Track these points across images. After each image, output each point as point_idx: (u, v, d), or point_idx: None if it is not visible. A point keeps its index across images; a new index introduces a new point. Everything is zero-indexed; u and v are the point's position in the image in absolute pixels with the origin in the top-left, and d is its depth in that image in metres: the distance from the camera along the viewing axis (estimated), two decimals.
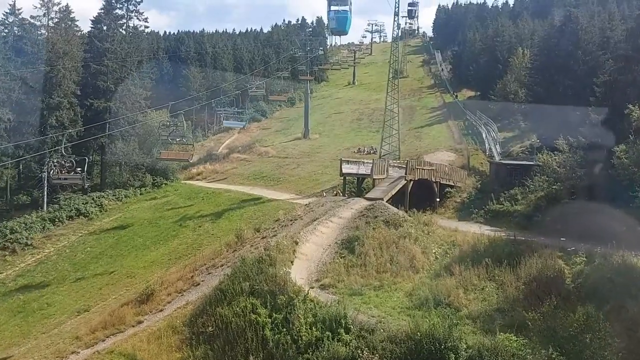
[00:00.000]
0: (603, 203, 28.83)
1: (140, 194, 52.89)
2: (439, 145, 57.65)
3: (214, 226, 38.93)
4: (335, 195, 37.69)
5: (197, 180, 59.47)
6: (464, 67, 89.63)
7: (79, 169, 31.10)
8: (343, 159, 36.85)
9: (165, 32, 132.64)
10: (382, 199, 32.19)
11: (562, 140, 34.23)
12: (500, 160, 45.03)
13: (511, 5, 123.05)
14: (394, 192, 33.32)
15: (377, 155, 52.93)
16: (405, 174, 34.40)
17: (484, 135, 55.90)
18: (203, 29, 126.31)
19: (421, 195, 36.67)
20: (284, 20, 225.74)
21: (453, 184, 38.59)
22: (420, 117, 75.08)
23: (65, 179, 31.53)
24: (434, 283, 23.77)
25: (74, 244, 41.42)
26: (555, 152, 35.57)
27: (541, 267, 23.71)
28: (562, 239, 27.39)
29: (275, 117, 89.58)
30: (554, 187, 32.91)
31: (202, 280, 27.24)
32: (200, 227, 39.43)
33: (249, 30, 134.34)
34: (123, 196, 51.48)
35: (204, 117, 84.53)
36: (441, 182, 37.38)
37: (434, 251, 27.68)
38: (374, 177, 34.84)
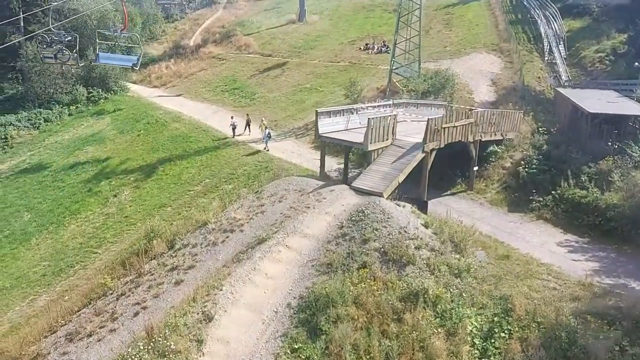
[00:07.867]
0: None
1: (70, 115, 39.26)
2: (476, 41, 41.71)
3: (135, 197, 26.16)
4: None
5: (155, 87, 45.48)
6: None
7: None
8: (319, 110, 21.79)
9: None
10: (381, 194, 18.59)
11: None
12: (570, 87, 29.71)
13: None
14: (402, 177, 19.41)
15: (389, 56, 37.46)
16: (425, 141, 20.03)
17: (541, 30, 39.65)
18: None
19: (449, 163, 22.85)
20: None
21: (502, 137, 24.34)
22: None
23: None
24: None
25: None
26: None
27: None
28: None
29: None
30: None
31: None
32: (115, 196, 26.69)
33: None
34: (42, 120, 37.93)
35: None
36: (482, 139, 23.13)
37: (469, 329, 14.82)
38: (371, 148, 20.31)
